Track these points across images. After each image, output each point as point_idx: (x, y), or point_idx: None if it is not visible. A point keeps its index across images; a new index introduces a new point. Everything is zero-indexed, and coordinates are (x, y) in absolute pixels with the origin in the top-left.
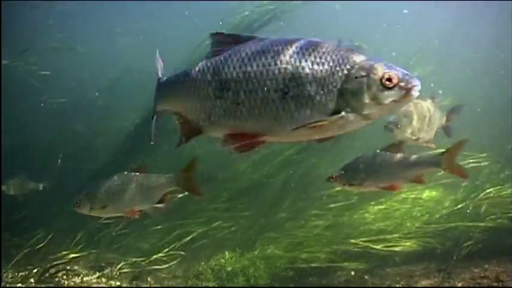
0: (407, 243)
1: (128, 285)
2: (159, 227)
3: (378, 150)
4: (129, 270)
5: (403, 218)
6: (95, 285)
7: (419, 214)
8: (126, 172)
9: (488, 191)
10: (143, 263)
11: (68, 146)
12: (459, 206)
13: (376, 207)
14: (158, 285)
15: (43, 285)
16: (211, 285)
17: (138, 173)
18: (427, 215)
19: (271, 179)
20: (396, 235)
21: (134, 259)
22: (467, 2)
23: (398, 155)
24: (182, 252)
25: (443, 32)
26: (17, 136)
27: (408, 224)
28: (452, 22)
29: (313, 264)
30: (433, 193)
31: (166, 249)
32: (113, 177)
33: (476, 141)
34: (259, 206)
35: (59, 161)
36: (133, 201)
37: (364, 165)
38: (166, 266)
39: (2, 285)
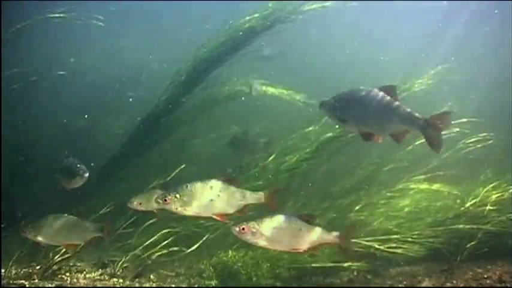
0: (414, 247)
1: (131, 283)
2: (160, 224)
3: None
4: (132, 266)
5: (408, 218)
6: (98, 283)
7: (423, 215)
8: (65, 214)
9: (487, 188)
10: (146, 260)
11: (71, 142)
12: (463, 208)
13: (381, 208)
14: (161, 283)
15: (46, 282)
16: (213, 284)
17: (74, 217)
18: (432, 217)
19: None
20: (400, 236)
21: (137, 256)
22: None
23: (230, 188)
24: (186, 250)
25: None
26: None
27: (412, 225)
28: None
29: (316, 264)
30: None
31: (168, 246)
32: (53, 217)
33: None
34: (262, 204)
35: (64, 158)
36: (66, 238)
37: (193, 192)
38: (169, 263)
39: (3, 284)
